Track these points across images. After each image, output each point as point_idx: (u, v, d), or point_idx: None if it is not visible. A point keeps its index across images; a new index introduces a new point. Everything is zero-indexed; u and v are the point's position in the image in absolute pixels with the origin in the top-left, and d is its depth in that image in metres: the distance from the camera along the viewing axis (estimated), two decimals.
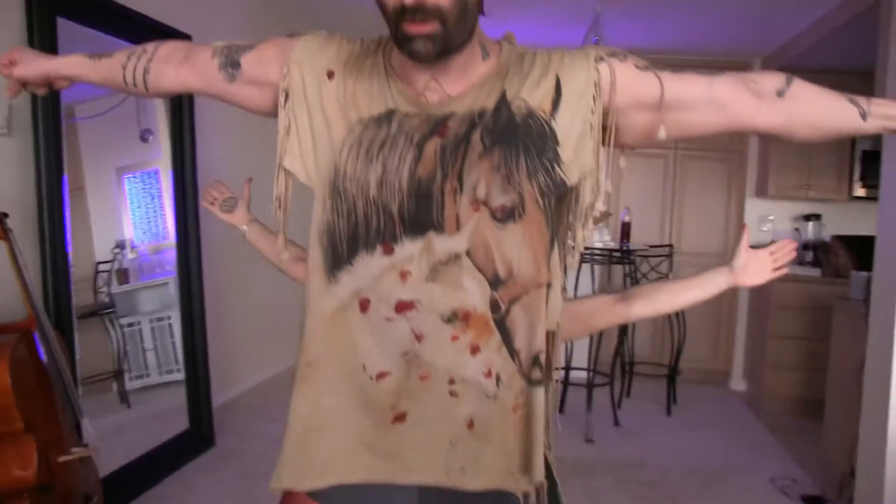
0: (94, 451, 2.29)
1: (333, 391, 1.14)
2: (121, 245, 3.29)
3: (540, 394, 1.14)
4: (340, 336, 1.13)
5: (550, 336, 1.16)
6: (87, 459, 2.31)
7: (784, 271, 1.49)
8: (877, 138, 4.91)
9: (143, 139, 3.49)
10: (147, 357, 3.40)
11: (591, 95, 1.11)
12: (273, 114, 1.22)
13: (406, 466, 1.12)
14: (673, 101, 1.13)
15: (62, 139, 2.73)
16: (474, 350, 1.10)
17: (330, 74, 1.16)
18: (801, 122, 1.16)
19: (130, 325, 3.31)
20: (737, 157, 5.52)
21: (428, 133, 1.09)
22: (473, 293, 1.09)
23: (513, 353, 1.12)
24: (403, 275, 1.09)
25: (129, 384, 3.24)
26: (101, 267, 3.15)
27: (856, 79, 4.89)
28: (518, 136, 1.09)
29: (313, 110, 1.16)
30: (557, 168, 1.11)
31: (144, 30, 3.24)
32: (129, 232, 3.37)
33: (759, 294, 5.20)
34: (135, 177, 3.44)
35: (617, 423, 4.37)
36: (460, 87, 1.12)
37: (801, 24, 4.55)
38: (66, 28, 2.75)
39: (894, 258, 2.93)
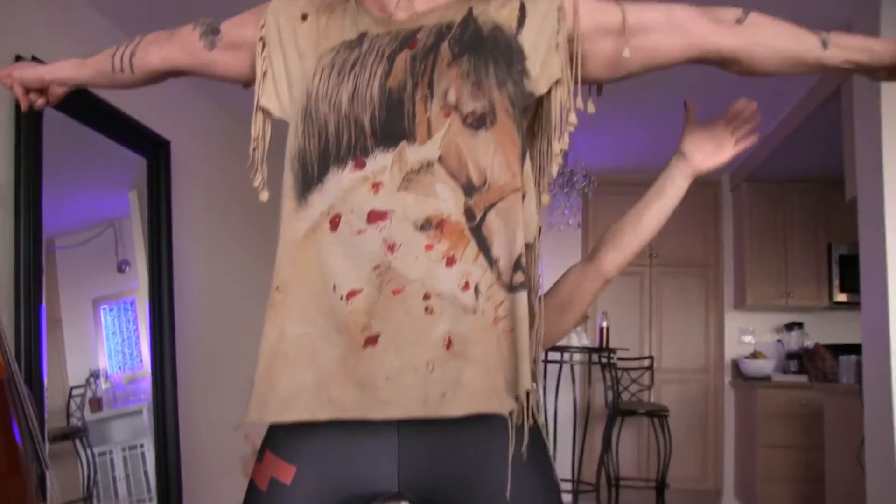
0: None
1: (303, 319, 1.09)
2: (95, 374, 3.26)
3: (523, 298, 1.07)
4: (310, 259, 1.09)
5: (528, 250, 1.12)
6: None
7: (751, 140, 1.35)
8: (853, 243, 4.97)
9: (121, 270, 3.53)
10: (118, 486, 3.28)
11: (555, 17, 1.14)
12: (251, 79, 1.25)
13: (379, 399, 1.04)
14: (635, 24, 1.15)
15: (42, 271, 2.77)
16: (450, 261, 1.06)
17: (304, 17, 1.21)
18: (761, 47, 1.16)
19: (102, 453, 3.22)
20: (712, 270, 5.58)
21: (398, 47, 1.12)
22: (447, 200, 1.07)
23: (491, 261, 1.07)
24: (375, 186, 1.07)
25: None
26: (75, 392, 3.11)
27: (825, 187, 5.05)
28: (486, 48, 1.12)
29: (287, 50, 1.20)
30: (525, 80, 1.12)
31: (127, 129, 3.37)
32: (103, 362, 3.34)
33: (745, 403, 5.11)
34: (111, 307, 3.45)
35: None
36: (428, 5, 1.17)
37: (762, 133, 4.71)
38: (52, 117, 2.84)
39: (880, 333, 2.91)
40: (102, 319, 3.35)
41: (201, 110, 4.30)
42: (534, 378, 1.09)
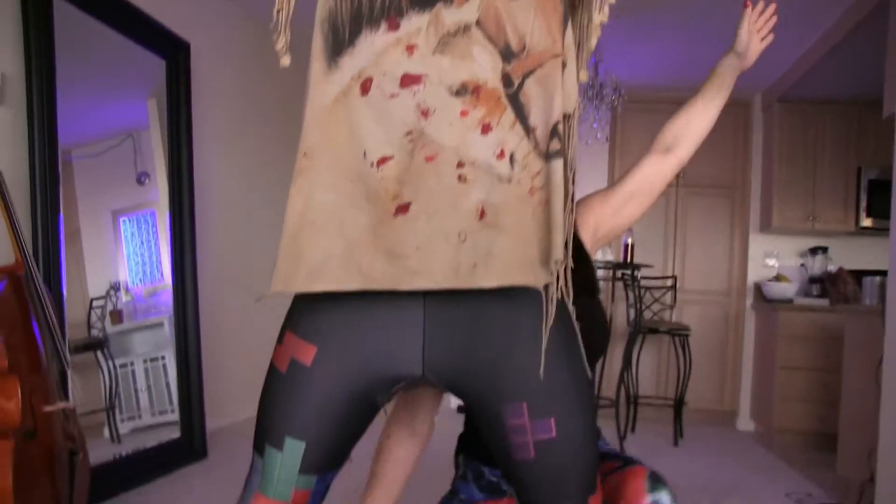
0: (79, 405, 2.26)
1: (331, 185, 1.04)
2: (115, 287, 3.26)
3: (559, 167, 1.03)
4: (339, 124, 1.04)
5: (565, 120, 1.07)
6: (72, 415, 2.23)
7: (770, 38, 1.51)
8: (884, 167, 4.89)
9: (140, 182, 3.50)
10: (140, 398, 3.33)
11: None
12: None
13: (408, 269, 1.00)
14: None
15: (58, 179, 2.73)
16: (485, 128, 1.01)
17: None
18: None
19: (123, 365, 3.25)
20: (739, 192, 5.48)
21: None
22: (484, 65, 1.02)
23: (528, 130, 1.03)
24: (410, 48, 1.02)
25: (121, 426, 3.17)
26: (95, 304, 3.12)
27: (859, 108, 4.94)
28: None
29: None
30: None
31: (145, 28, 3.31)
32: (123, 274, 3.34)
33: (766, 325, 5.09)
34: (130, 219, 3.43)
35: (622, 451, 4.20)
36: None
37: (797, 52, 4.56)
38: (66, 12, 2.78)
39: None
40: (122, 231, 3.35)
41: (222, 13, 4.19)
42: (567, 251, 1.06)
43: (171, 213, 3.54)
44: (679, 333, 4.58)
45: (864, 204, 5.01)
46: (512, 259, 1.00)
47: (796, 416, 4.70)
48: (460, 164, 1.01)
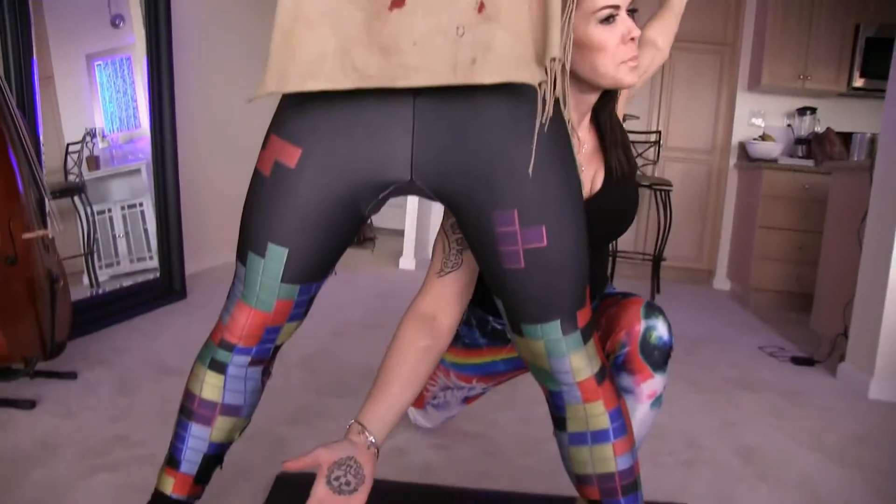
0: (58, 233, 2.25)
1: None
2: (91, 133, 3.15)
3: None
4: None
5: None
6: (52, 245, 2.20)
7: None
8: (884, 24, 4.76)
9: (114, 25, 3.30)
10: (118, 245, 3.28)
11: None
12: None
13: (404, 65, 0.95)
14: None
15: (30, 21, 2.58)
16: None
17: None
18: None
19: (101, 212, 3.19)
20: (729, 49, 5.33)
21: None
22: None
23: None
24: None
25: (100, 273, 3.14)
26: (71, 149, 3.02)
27: None
28: None
29: None
30: None
31: None
32: (99, 120, 3.21)
33: (748, 185, 5.09)
34: (105, 64, 3.27)
35: None
36: None
37: None
38: None
39: None
40: (97, 76, 3.19)
41: None
42: (563, 49, 1.01)
43: (149, 57, 3.38)
44: (661, 189, 4.55)
45: (858, 63, 4.92)
46: (510, 55, 0.95)
47: (773, 275, 4.78)
48: None
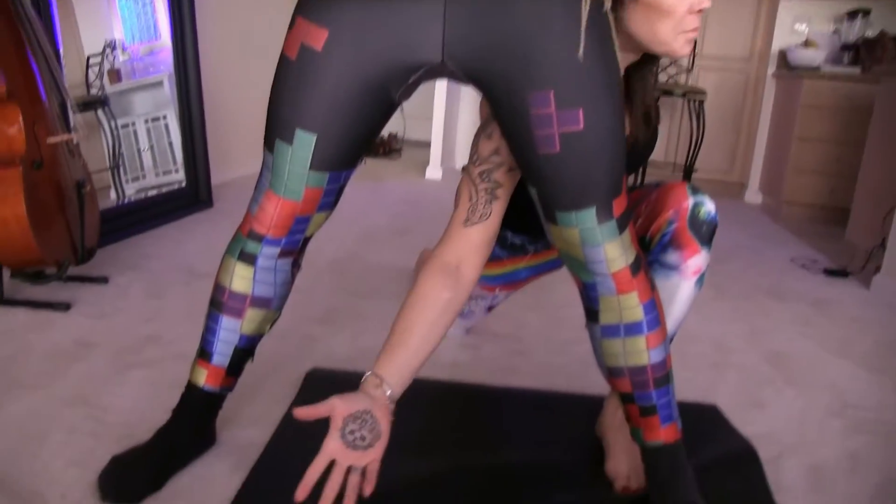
0: (83, 137, 2.23)
1: None
2: (111, 45, 3.10)
3: None
4: None
5: None
6: (77, 150, 2.20)
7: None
8: None
9: None
10: (143, 158, 3.28)
11: None
12: None
13: None
14: None
15: None
16: None
17: None
18: None
19: (125, 126, 3.17)
20: None
21: None
22: None
23: None
24: None
25: (126, 187, 3.15)
26: (92, 61, 2.98)
27: None
28: None
29: None
30: None
31: None
32: (118, 32, 3.16)
33: (787, 94, 4.93)
34: None
35: None
36: None
37: None
38: None
39: None
40: None
41: None
42: None
43: None
44: (694, 98, 4.43)
45: None
46: None
47: (807, 188, 4.66)
48: None
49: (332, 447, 1.07)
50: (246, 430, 1.46)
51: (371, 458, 1.10)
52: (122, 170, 3.12)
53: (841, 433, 1.68)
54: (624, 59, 1.29)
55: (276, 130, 1.11)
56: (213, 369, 1.28)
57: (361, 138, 1.12)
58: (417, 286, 1.21)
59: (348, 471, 1.09)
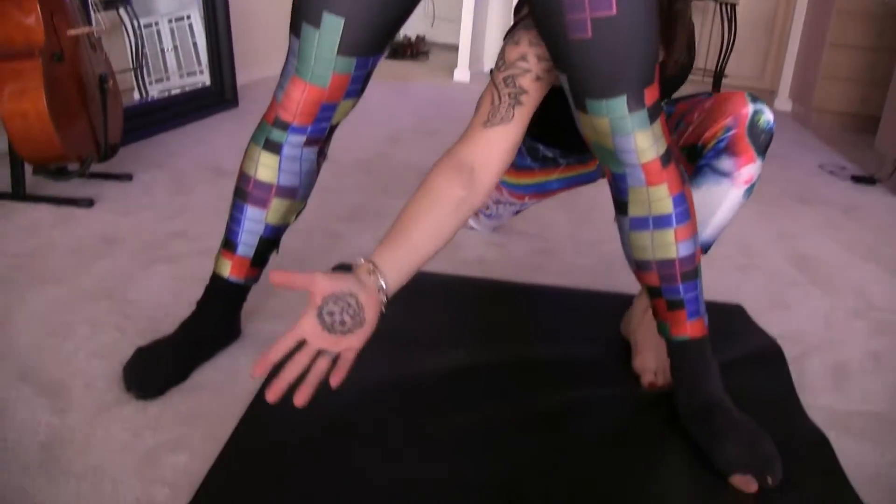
0: (103, 32, 2.19)
1: None
2: None
3: None
4: None
5: None
6: (98, 44, 2.17)
7: None
8: None
9: None
10: (167, 59, 3.22)
11: None
12: None
13: None
14: None
15: None
16: None
17: None
18: None
19: (147, 25, 3.10)
20: None
21: None
22: None
23: None
24: None
25: (150, 88, 3.10)
26: None
27: None
28: None
29: None
30: None
31: None
32: None
33: None
34: None
35: None
36: None
37: None
38: None
39: None
40: None
41: None
42: None
43: None
44: (726, 1, 4.29)
45: None
46: None
47: (838, 96, 4.55)
48: None
49: (305, 325, 0.97)
50: (271, 323, 1.47)
51: (347, 345, 1.00)
52: (145, 71, 3.08)
53: (865, 334, 1.67)
54: None
55: (303, 14, 1.07)
56: (238, 259, 1.28)
57: (390, 22, 1.09)
58: (427, 180, 1.12)
59: (319, 354, 1.00)
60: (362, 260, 1.06)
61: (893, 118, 3.53)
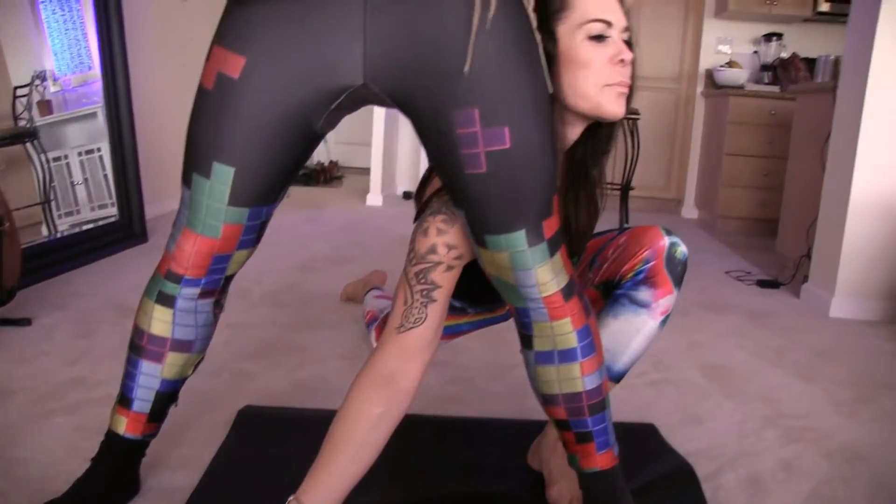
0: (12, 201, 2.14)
1: None
2: (41, 76, 3.02)
3: None
4: None
5: None
6: None
7: None
8: None
9: None
10: (77, 192, 3.19)
11: None
12: None
13: None
14: None
15: None
16: None
17: None
18: None
19: (57, 159, 3.08)
20: None
21: None
22: None
23: None
24: None
25: (59, 222, 3.05)
26: (19, 92, 2.89)
27: None
28: None
29: None
30: None
31: None
32: (49, 62, 3.08)
33: (715, 112, 5.06)
34: (51, 1, 3.12)
35: None
36: None
37: None
38: None
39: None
40: (43, 16, 3.06)
41: None
42: None
43: None
44: (628, 118, 4.51)
45: None
46: None
47: (739, 202, 4.79)
48: None
49: None
50: (174, 474, 1.40)
51: None
52: (53, 205, 3.02)
53: (776, 443, 1.69)
54: (565, 135, 1.23)
55: (194, 164, 1.06)
56: (134, 416, 1.23)
57: (283, 171, 1.08)
58: (346, 402, 1.12)
59: None
60: (291, 498, 1.08)
61: (790, 221, 3.71)
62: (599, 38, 1.15)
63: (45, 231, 2.95)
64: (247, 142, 1.02)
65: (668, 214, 5.41)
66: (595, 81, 1.15)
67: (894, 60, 2.73)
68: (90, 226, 3.19)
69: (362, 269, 3.02)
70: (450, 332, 1.78)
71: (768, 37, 5.17)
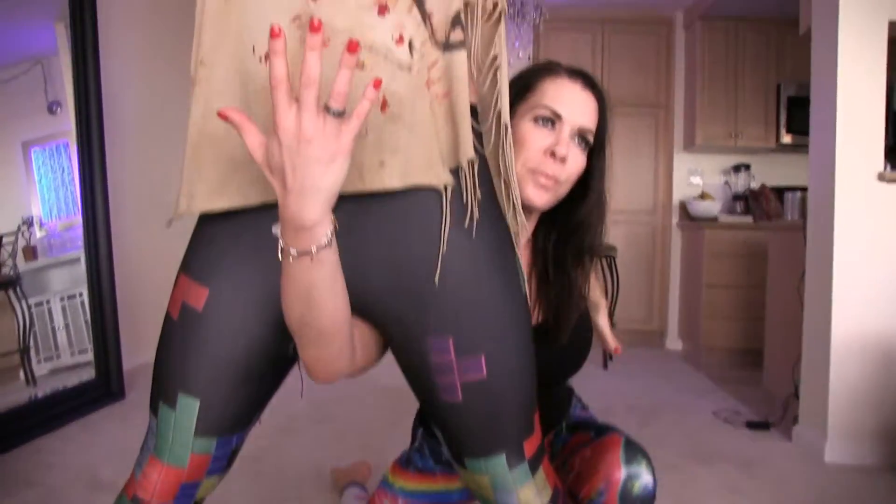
0: None
1: (228, 92, 0.91)
2: (28, 222, 3.07)
3: (461, 58, 0.91)
4: (231, 20, 0.90)
5: (467, 8, 0.94)
6: None
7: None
8: (801, 83, 4.91)
9: (51, 111, 3.28)
10: (57, 337, 3.17)
11: None
12: None
13: None
14: None
15: None
16: (382, 9, 0.87)
17: None
18: None
19: (39, 304, 3.08)
20: (663, 111, 5.42)
21: None
22: None
23: (425, 15, 0.89)
24: None
25: (39, 367, 3.02)
26: (5, 240, 2.93)
27: (778, 25, 4.97)
28: None
29: None
30: None
31: None
32: (36, 208, 3.15)
33: (691, 243, 5.13)
34: (43, 150, 3.22)
35: None
36: None
37: None
38: None
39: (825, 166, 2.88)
40: (34, 163, 3.15)
41: None
42: (500, 149, 0.95)
43: (80, 144, 3.31)
44: (606, 255, 4.56)
45: (783, 120, 5.06)
46: (416, 157, 0.89)
47: (722, 333, 4.78)
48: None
49: None
50: None
51: None
52: (32, 351, 2.99)
53: None
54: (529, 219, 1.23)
55: (160, 393, 1.03)
56: None
57: (252, 400, 1.04)
58: None
59: None
60: None
61: (774, 353, 3.69)
62: (544, 122, 1.19)
63: (21, 376, 2.90)
64: (212, 374, 0.99)
65: (652, 347, 5.38)
66: (523, 161, 1.19)
67: (857, 190, 2.78)
68: (70, 375, 3.14)
69: (348, 429, 2.95)
70: (440, 501, 1.69)
71: (737, 167, 5.33)
